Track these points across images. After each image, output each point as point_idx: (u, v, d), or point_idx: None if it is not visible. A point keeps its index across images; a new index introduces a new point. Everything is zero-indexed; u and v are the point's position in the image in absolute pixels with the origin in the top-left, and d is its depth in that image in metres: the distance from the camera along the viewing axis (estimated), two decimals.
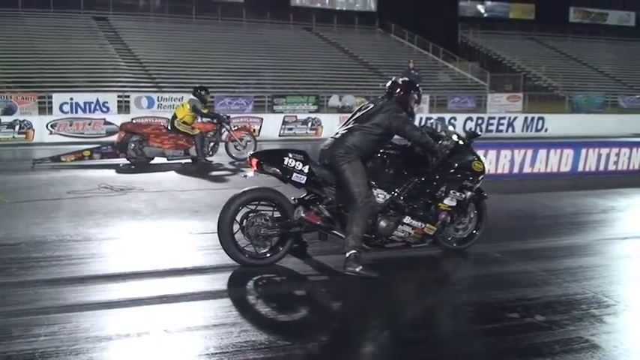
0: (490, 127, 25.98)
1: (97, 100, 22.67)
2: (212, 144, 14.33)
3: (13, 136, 19.67)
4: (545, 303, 5.19)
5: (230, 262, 5.94)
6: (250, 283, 5.66)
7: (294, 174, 5.89)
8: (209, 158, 14.23)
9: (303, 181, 5.94)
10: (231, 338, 4.34)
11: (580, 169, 12.83)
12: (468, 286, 6.02)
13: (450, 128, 6.87)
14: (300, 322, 4.99)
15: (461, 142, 6.49)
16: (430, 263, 6.63)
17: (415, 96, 6.38)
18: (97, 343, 4.21)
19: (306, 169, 5.91)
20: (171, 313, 4.84)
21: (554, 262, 6.44)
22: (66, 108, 21.88)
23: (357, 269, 5.67)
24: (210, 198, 9.48)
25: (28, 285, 5.38)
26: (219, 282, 5.66)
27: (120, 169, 13.04)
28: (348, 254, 5.72)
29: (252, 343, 4.27)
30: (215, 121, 14.43)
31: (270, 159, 6.01)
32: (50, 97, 22.22)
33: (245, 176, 6.17)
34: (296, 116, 24.15)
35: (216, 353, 4.10)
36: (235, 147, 14.71)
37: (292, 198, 6.14)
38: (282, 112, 24.78)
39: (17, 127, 19.83)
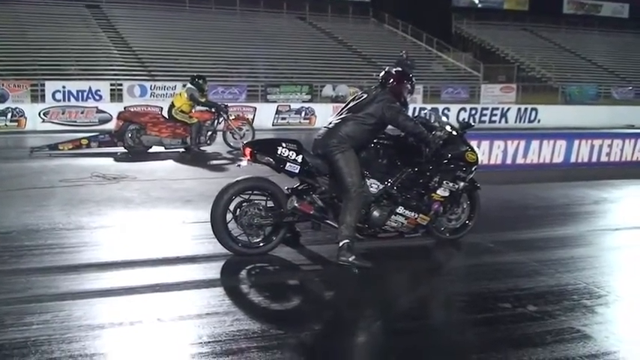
0: (483, 118, 26.03)
1: (90, 89, 22.66)
2: (210, 133, 14.30)
3: (5, 124, 19.62)
4: (537, 293, 5.21)
5: (223, 251, 5.93)
6: (243, 272, 5.67)
7: (288, 163, 5.89)
8: (207, 147, 14.22)
9: (297, 171, 5.94)
10: (224, 327, 4.34)
11: (573, 160, 12.87)
12: (460, 276, 6.04)
13: (444, 119, 6.87)
14: (293, 311, 5.00)
15: (454, 133, 6.48)
16: (423, 253, 6.64)
17: (408, 86, 6.36)
18: (90, 331, 4.21)
19: (299, 158, 5.90)
20: (164, 302, 4.84)
21: (547, 253, 6.47)
22: (58, 96, 21.85)
23: (350, 259, 5.67)
24: (203, 187, 9.46)
25: (20, 273, 5.37)
26: (212, 271, 5.65)
27: (117, 157, 13.01)
28: (341, 244, 5.73)
29: (245, 331, 4.28)
30: (213, 110, 14.40)
31: (263, 148, 6.01)
32: (43, 85, 22.16)
33: (239, 165, 6.16)
34: (289, 105, 24.15)
35: (210, 342, 4.10)
36: (233, 136, 14.69)
37: (286, 187, 6.14)
38: (275, 102, 24.78)
39: (9, 115, 19.79)
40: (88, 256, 5.96)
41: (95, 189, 9.32)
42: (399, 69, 6.51)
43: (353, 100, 6.30)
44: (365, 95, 6.20)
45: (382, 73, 6.41)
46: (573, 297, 5.13)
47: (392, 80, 6.26)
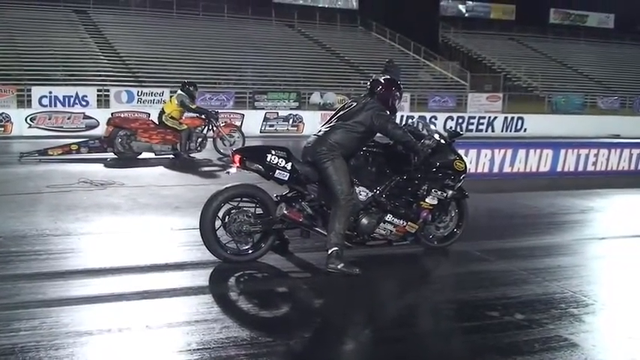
0: (470, 127, 26.12)
1: (77, 94, 22.53)
2: (200, 140, 14.28)
3: None
4: (525, 302, 5.23)
5: (211, 258, 5.92)
6: (232, 280, 5.66)
7: (277, 171, 5.89)
8: (197, 154, 14.19)
9: (286, 178, 5.94)
10: (212, 334, 4.33)
11: (559, 169, 12.95)
12: (448, 285, 6.05)
13: (432, 127, 6.90)
14: (282, 318, 4.99)
15: (443, 142, 6.52)
16: (411, 261, 6.65)
17: (397, 93, 6.38)
18: (78, 338, 4.18)
19: (288, 166, 5.90)
20: (153, 309, 4.83)
21: (534, 262, 6.49)
22: (45, 101, 21.72)
23: (339, 266, 5.69)
24: (191, 194, 9.45)
25: (7, 279, 5.34)
26: (200, 278, 5.64)
27: (107, 163, 12.97)
28: (330, 251, 5.74)
29: (233, 339, 4.27)
30: (203, 116, 14.39)
31: (253, 155, 6.00)
32: (29, 90, 22.04)
33: (228, 172, 6.15)
34: (277, 113, 24.14)
35: (198, 349, 4.09)
36: (223, 143, 14.66)
37: (275, 195, 6.14)
38: (263, 109, 24.75)
39: None
40: (75, 263, 5.93)
41: (82, 195, 9.28)
42: (387, 77, 6.53)
43: (342, 108, 6.31)
44: (354, 103, 6.21)
45: (370, 80, 6.43)
46: (560, 305, 5.16)
47: (380, 88, 6.27)
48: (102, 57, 31.88)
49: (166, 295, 5.13)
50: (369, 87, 6.35)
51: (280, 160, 5.90)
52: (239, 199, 5.99)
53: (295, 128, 23.81)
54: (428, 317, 5.34)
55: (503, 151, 12.55)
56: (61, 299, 4.92)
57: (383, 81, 6.35)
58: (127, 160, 13.36)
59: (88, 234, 7.07)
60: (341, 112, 6.21)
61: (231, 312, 4.93)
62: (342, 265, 5.71)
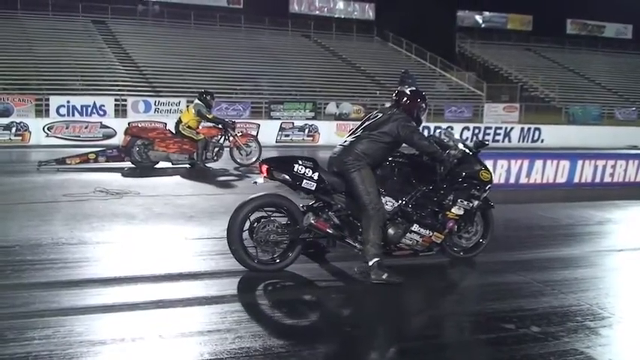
0: (487, 137, 26.01)
1: (94, 104, 22.69)
2: (217, 149, 14.31)
3: (10, 138, 19.70)
4: (541, 314, 5.18)
5: (225, 268, 5.92)
6: (246, 289, 5.65)
7: (304, 181, 5.89)
8: (213, 164, 14.21)
9: (313, 188, 5.93)
10: (225, 344, 4.32)
11: (576, 180, 12.84)
12: (464, 296, 6.02)
13: (457, 137, 6.88)
14: (296, 328, 4.95)
15: (468, 152, 6.51)
16: (427, 272, 6.57)
17: (422, 105, 6.43)
18: (91, 347, 4.19)
19: (315, 175, 5.90)
20: (166, 319, 4.82)
21: (550, 273, 6.44)
22: (63, 111, 21.89)
23: (384, 276, 5.70)
24: (206, 203, 9.46)
25: (22, 288, 5.36)
26: (214, 288, 5.62)
27: (124, 172, 13.04)
28: (371, 263, 5.74)
29: (246, 349, 4.25)
30: (220, 126, 14.41)
31: (280, 166, 6.01)
32: (47, 99, 22.22)
33: (255, 183, 6.14)
34: (293, 122, 24.18)
35: (211, 359, 4.08)
36: (240, 152, 14.68)
37: (301, 205, 6.13)
38: (279, 119, 24.80)
39: (14, 129, 19.87)
40: (90, 272, 5.94)
41: (98, 204, 9.31)
42: (413, 88, 6.57)
43: (368, 118, 6.33)
44: (380, 114, 6.25)
45: (396, 92, 6.45)
46: (577, 318, 5.10)
47: (406, 99, 6.30)
48: (119, 67, 32.13)
49: (180, 304, 5.12)
50: (394, 98, 6.38)
51: (307, 170, 5.90)
52: (267, 208, 5.98)
53: (311, 138, 23.83)
54: (444, 329, 5.28)
55: (519, 161, 12.47)
56: (76, 308, 4.93)
57: (409, 92, 6.40)
58: (144, 169, 13.43)
59: (103, 243, 7.08)
60: (367, 123, 6.24)
61: (244, 322, 4.88)
62: (386, 275, 5.72)
